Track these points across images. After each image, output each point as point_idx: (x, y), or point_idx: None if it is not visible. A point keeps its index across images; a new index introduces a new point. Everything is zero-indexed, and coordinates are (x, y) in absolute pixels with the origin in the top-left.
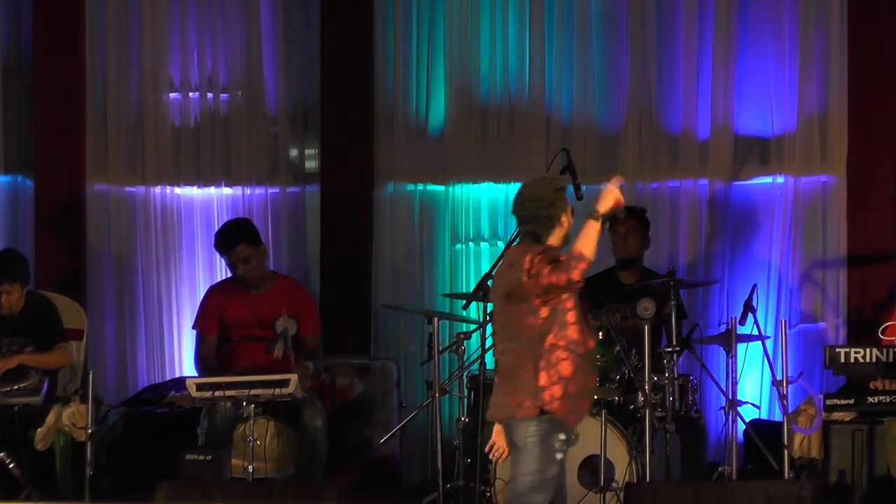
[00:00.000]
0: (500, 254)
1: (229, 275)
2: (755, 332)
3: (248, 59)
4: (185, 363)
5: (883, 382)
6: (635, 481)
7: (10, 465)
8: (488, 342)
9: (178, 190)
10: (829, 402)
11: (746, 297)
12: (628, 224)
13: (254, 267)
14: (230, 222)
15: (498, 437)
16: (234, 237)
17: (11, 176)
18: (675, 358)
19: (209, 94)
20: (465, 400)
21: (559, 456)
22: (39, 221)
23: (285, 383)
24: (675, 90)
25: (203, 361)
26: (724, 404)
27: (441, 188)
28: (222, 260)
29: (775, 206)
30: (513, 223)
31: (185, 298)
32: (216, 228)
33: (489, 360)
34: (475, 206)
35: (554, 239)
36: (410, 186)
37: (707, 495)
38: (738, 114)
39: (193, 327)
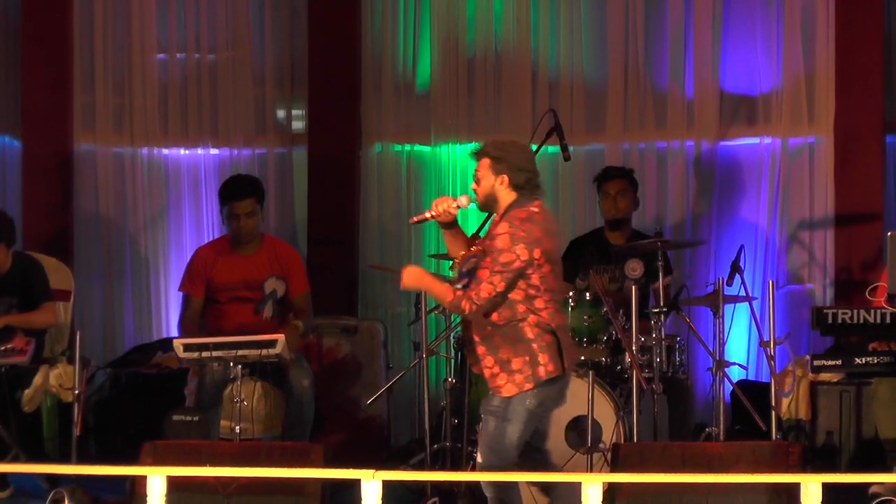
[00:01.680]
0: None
1: (217, 236)
2: (742, 292)
3: (236, 19)
4: (172, 324)
5: (879, 343)
6: (622, 442)
7: None
8: None
9: (165, 150)
10: (816, 362)
11: (733, 258)
12: (619, 185)
13: (253, 225)
14: (244, 175)
15: None
16: (247, 189)
17: None
18: (662, 319)
19: (196, 55)
20: (452, 361)
21: None
22: (27, 182)
23: (272, 344)
24: (662, 46)
25: (186, 323)
26: (711, 365)
27: (428, 148)
28: (214, 217)
29: (762, 166)
30: None
31: (173, 259)
32: (203, 189)
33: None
34: (462, 167)
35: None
36: (398, 147)
37: (694, 456)
38: (724, 71)
39: (179, 289)
